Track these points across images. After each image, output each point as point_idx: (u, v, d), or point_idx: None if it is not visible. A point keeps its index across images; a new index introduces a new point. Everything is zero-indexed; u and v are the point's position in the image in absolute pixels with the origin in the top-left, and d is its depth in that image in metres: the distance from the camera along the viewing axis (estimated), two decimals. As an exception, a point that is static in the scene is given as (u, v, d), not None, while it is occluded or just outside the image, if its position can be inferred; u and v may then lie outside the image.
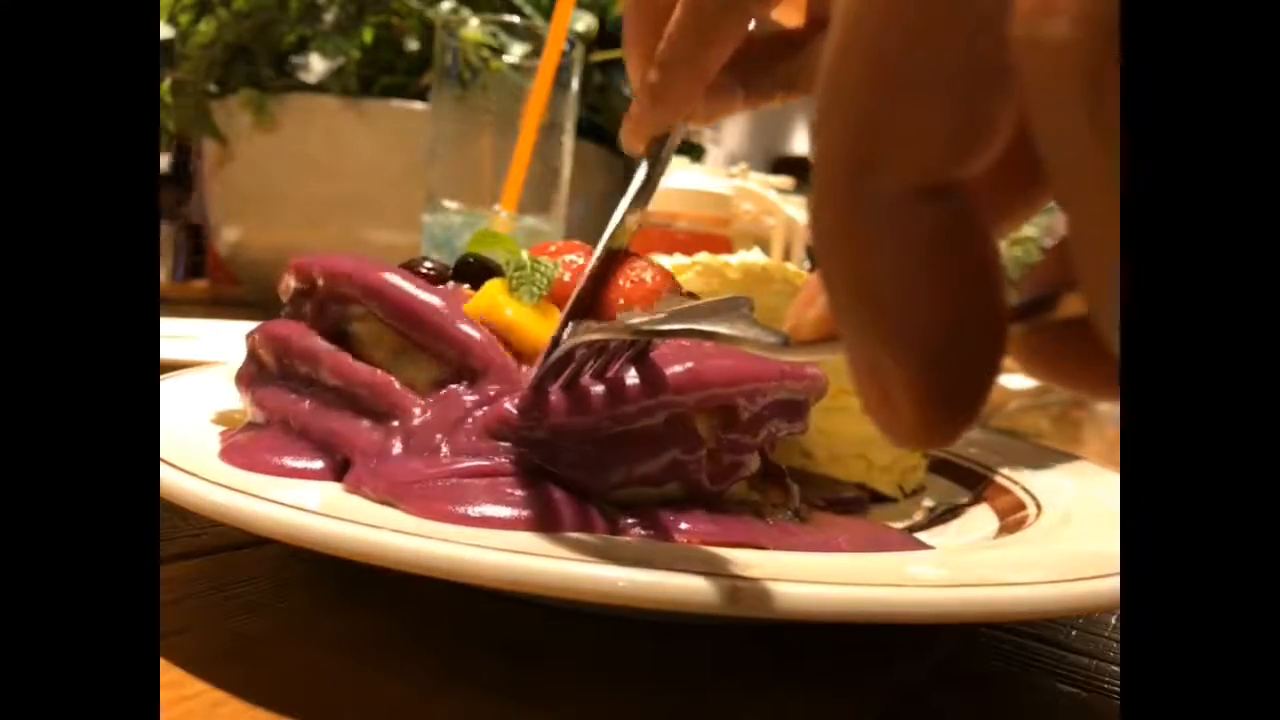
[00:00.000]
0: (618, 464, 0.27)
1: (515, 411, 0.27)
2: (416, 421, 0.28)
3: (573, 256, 0.33)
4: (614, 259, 0.32)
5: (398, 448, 0.28)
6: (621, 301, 0.30)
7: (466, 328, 0.30)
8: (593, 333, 0.26)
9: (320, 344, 0.31)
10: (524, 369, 0.29)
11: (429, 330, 0.30)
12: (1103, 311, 0.12)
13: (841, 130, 0.13)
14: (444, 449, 0.28)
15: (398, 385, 0.29)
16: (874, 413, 0.14)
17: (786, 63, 0.33)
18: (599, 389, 0.27)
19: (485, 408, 0.28)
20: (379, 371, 0.30)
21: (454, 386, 0.29)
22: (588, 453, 0.27)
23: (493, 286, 0.31)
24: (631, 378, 0.27)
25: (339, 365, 0.30)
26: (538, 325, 0.30)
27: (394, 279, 0.31)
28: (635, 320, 0.24)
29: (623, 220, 0.31)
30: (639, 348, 0.27)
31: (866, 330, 0.14)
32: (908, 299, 0.13)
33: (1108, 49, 0.10)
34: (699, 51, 0.30)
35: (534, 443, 0.27)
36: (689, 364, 0.28)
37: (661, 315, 0.23)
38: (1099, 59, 0.11)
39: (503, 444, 0.27)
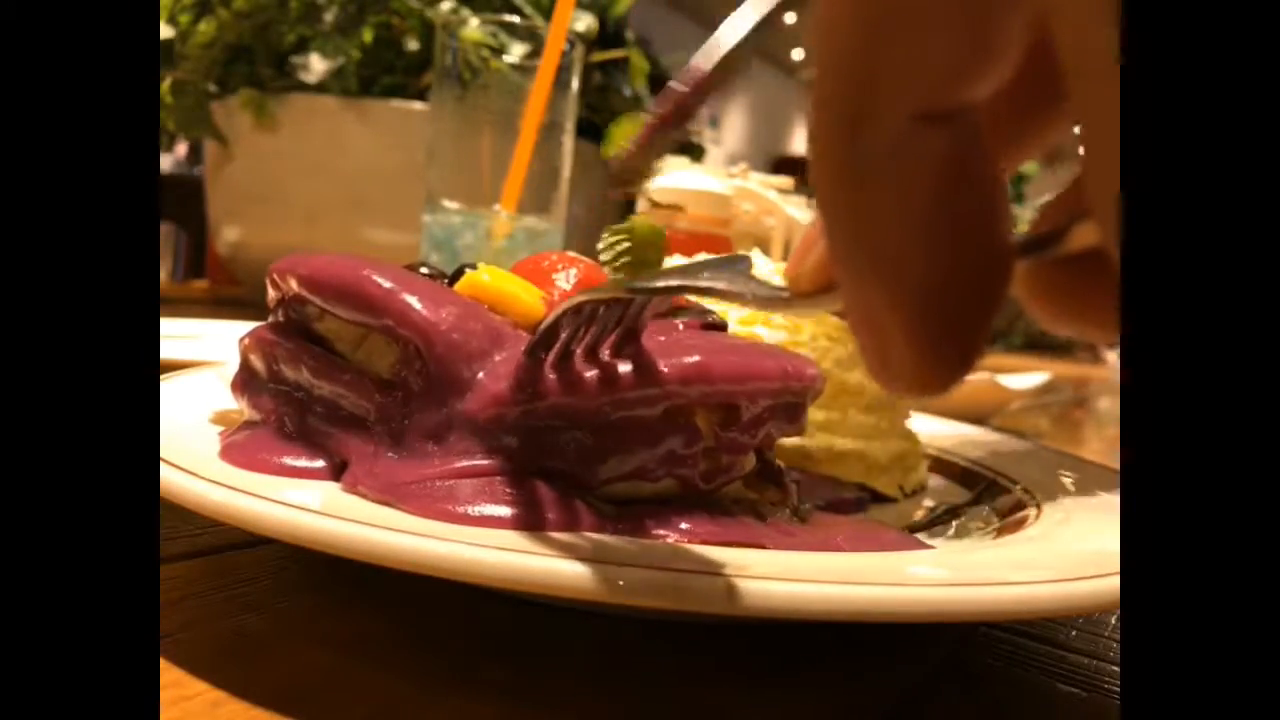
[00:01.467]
0: (614, 453, 0.27)
1: (508, 390, 0.27)
2: (406, 420, 0.28)
3: (574, 270, 0.33)
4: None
5: (393, 447, 0.28)
6: None
7: (406, 296, 0.28)
8: (587, 294, 0.25)
9: (302, 348, 0.31)
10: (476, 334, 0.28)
11: (363, 304, 0.28)
12: (1116, 238, 0.11)
13: (838, 65, 0.13)
14: (438, 446, 0.27)
15: (372, 384, 0.29)
16: (870, 361, 0.14)
17: None
18: (598, 372, 0.27)
19: (470, 393, 0.27)
20: (353, 371, 0.30)
21: (413, 379, 0.28)
22: (585, 441, 0.27)
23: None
24: (633, 364, 0.27)
25: (319, 369, 0.30)
26: (515, 284, 0.30)
27: (325, 261, 0.30)
28: (632, 279, 0.23)
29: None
30: (631, 317, 0.26)
31: (864, 273, 0.13)
32: (908, 236, 0.13)
33: None
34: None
35: (530, 430, 0.27)
36: (695, 357, 0.28)
37: (658, 273, 0.22)
38: None
39: (499, 438, 0.27)
